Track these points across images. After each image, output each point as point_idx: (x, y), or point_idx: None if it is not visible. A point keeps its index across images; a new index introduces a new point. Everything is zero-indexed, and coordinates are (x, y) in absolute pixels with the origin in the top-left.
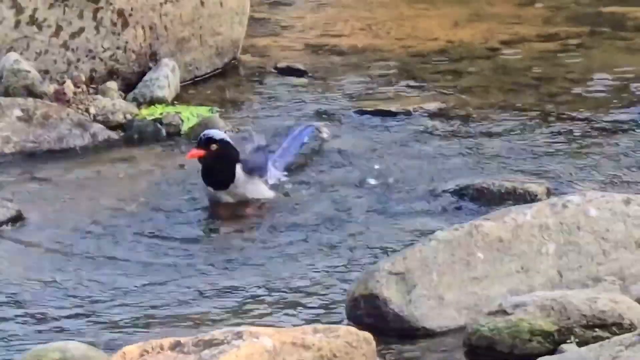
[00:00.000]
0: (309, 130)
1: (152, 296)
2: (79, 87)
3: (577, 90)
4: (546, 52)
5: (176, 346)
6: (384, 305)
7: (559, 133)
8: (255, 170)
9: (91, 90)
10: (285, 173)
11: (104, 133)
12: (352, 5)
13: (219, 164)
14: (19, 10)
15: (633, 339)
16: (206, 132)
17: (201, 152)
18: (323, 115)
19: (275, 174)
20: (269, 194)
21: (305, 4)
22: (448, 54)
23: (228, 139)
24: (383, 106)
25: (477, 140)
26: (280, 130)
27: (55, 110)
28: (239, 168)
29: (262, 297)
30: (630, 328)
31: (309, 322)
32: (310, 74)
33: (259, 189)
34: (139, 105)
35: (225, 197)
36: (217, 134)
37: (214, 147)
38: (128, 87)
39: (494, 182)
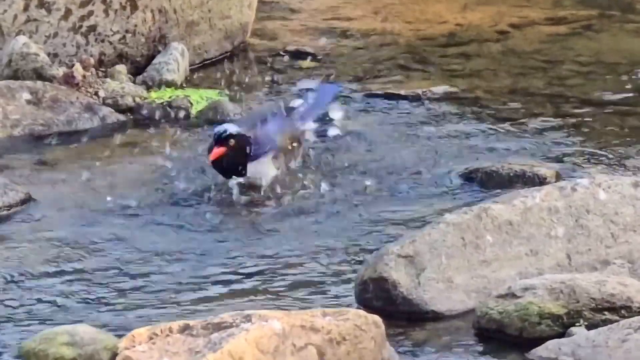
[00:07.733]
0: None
1: (161, 280)
2: (88, 71)
3: (586, 73)
4: (555, 35)
5: (185, 329)
6: (393, 289)
7: (568, 116)
8: (263, 150)
9: (100, 74)
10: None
11: (113, 116)
12: None
13: (234, 158)
14: None
15: None
16: (221, 128)
17: (223, 150)
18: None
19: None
20: (273, 172)
21: None
22: (457, 37)
23: (242, 132)
24: (392, 89)
25: (486, 123)
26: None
27: (64, 94)
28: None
29: (270, 281)
30: (639, 311)
31: (317, 305)
32: (319, 57)
33: (265, 170)
34: (148, 88)
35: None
36: (232, 128)
37: (232, 142)
38: (137, 70)
39: (503, 165)
